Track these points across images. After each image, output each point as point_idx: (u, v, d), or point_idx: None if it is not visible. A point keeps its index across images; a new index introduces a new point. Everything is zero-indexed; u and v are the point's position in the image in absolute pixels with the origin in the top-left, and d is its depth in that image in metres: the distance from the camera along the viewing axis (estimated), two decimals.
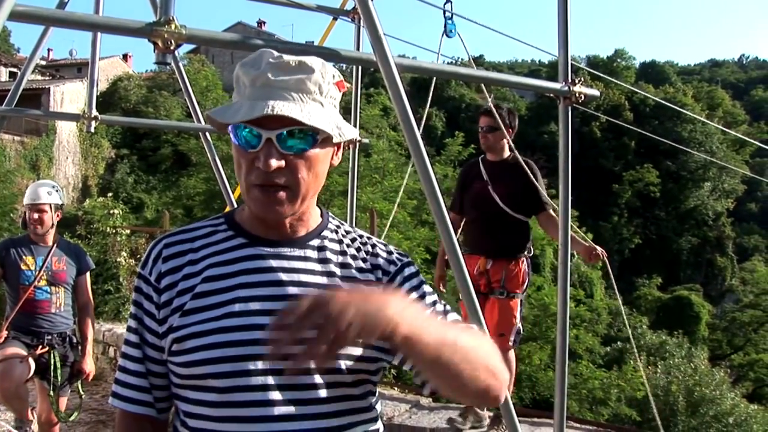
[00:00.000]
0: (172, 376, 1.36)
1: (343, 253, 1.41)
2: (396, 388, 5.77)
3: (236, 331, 1.28)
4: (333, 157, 1.38)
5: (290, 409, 1.27)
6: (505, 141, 4.58)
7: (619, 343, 26.86)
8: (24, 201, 4.65)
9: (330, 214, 1.48)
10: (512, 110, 4.88)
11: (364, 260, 1.42)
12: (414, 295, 1.42)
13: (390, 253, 1.46)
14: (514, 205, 4.46)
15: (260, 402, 1.27)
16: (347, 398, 1.33)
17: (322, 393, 1.29)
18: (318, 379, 1.29)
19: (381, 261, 1.43)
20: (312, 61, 1.31)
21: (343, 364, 1.29)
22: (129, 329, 1.40)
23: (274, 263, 1.35)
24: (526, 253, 4.54)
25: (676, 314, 36.27)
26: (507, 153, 4.63)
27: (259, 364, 1.27)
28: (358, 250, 1.44)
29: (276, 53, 1.30)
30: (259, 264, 1.35)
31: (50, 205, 4.61)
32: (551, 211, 4.43)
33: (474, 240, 4.63)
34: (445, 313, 1.42)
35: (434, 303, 1.43)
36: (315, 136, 1.29)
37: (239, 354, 1.27)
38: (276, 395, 1.27)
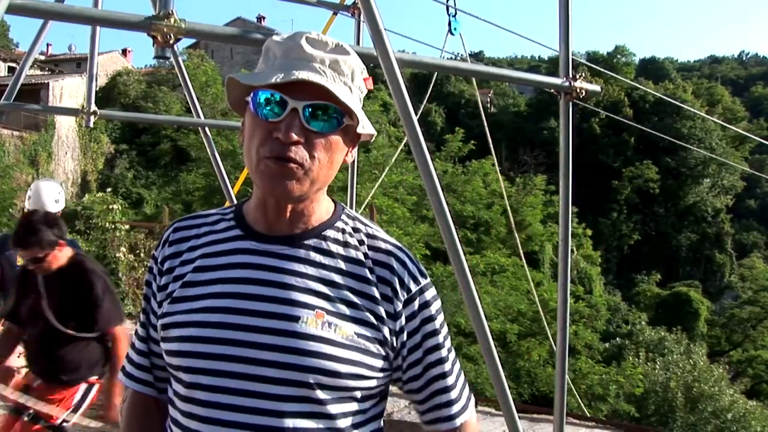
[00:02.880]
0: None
1: (344, 257, 1.28)
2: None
3: (208, 327, 1.23)
4: (348, 153, 1.30)
5: (249, 419, 1.19)
6: (54, 255, 3.62)
7: (618, 339, 26.92)
8: (29, 206, 4.58)
9: (350, 212, 1.36)
10: (48, 219, 3.71)
11: (371, 270, 1.28)
12: (427, 327, 1.30)
13: (407, 269, 1.30)
14: (67, 321, 3.65)
15: (218, 405, 1.21)
16: (315, 416, 1.21)
17: (285, 406, 1.20)
18: (282, 390, 1.19)
19: (396, 278, 1.28)
20: (348, 46, 1.27)
21: (312, 378, 1.20)
22: (141, 308, 1.41)
23: (261, 260, 1.27)
24: (91, 377, 3.84)
25: (674, 310, 36.29)
26: (67, 258, 3.71)
27: (224, 365, 1.21)
28: (366, 256, 1.29)
29: (315, 32, 1.26)
30: (245, 259, 1.28)
31: (57, 212, 4.61)
32: (115, 329, 3.74)
33: (30, 359, 3.91)
34: (443, 360, 1.33)
35: (434, 348, 1.32)
36: (340, 120, 1.22)
37: (204, 351, 1.22)
38: (237, 401, 1.20)
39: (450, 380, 1.34)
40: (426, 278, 1.32)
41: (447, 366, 1.33)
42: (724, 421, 17.16)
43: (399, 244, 1.34)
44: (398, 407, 5.03)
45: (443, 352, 1.32)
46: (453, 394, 1.34)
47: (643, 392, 18.74)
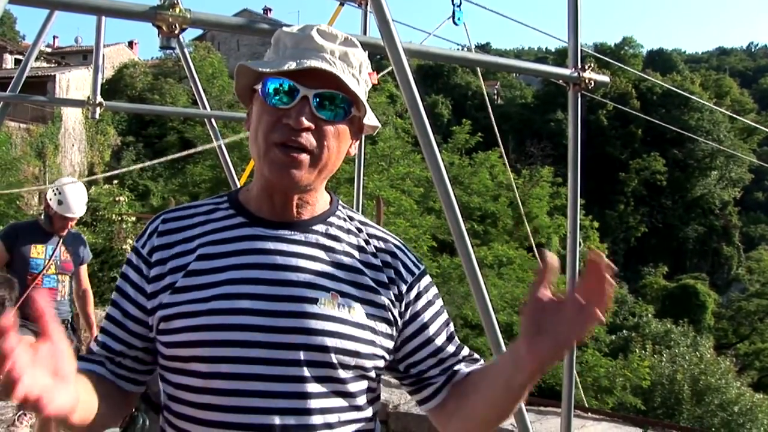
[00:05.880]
0: (159, 357, 1.30)
1: (350, 243, 1.34)
2: None
3: (223, 314, 1.22)
4: (351, 145, 1.33)
5: (273, 403, 1.20)
6: None
7: (624, 331, 26.91)
8: (59, 209, 4.58)
9: (342, 203, 1.41)
10: None
11: (374, 255, 1.34)
12: (430, 311, 1.36)
13: (406, 254, 1.38)
14: None
15: (241, 392, 1.20)
16: (338, 395, 1.24)
17: (310, 387, 1.21)
18: (306, 372, 1.21)
19: (398, 262, 1.35)
20: (356, 40, 1.31)
21: (335, 358, 1.22)
22: (111, 301, 1.34)
23: (271, 245, 1.28)
24: None
25: (681, 303, 36.26)
26: None
27: (245, 352, 1.20)
28: (367, 242, 1.35)
29: (325, 25, 1.29)
30: (255, 245, 1.28)
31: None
32: None
33: None
34: (453, 335, 1.41)
35: (447, 322, 1.40)
36: (348, 110, 1.26)
37: (224, 339, 1.21)
38: (260, 386, 1.20)
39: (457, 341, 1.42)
40: (423, 264, 1.41)
41: (452, 326, 1.42)
42: (730, 413, 17.15)
43: (390, 233, 1.42)
44: (405, 399, 5.04)
45: (449, 322, 1.41)
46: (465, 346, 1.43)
47: (650, 385, 18.74)
